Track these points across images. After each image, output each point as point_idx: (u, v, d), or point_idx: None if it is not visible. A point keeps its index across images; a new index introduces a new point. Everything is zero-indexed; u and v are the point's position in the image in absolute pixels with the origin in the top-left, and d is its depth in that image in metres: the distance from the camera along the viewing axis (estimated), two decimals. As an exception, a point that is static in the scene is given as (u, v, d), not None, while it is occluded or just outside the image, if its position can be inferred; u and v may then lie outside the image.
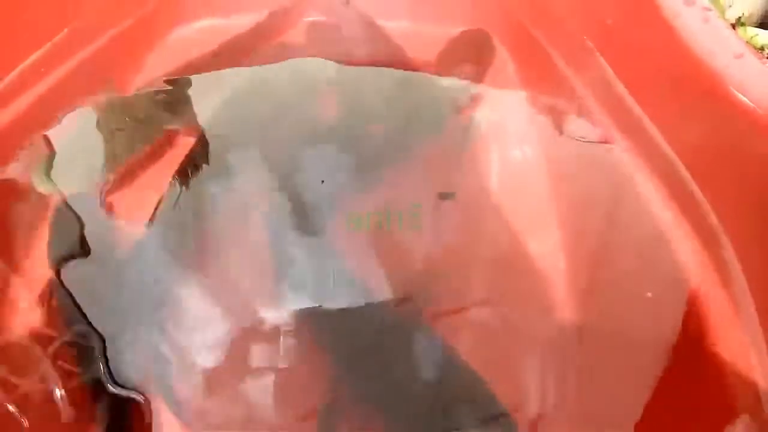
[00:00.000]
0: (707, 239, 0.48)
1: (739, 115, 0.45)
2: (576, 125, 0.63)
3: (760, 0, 0.97)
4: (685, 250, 0.47)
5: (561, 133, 0.63)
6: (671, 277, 0.47)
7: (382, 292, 0.48)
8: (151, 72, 0.70)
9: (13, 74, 0.62)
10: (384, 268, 0.49)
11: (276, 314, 0.46)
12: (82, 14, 0.70)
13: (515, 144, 0.62)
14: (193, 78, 0.67)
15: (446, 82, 0.70)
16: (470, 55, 0.74)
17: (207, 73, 0.68)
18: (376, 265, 0.50)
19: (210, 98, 0.65)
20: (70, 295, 0.46)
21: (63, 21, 0.69)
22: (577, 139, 0.62)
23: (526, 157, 0.61)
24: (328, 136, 0.62)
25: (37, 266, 0.49)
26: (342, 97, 0.68)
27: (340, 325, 0.46)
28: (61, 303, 0.46)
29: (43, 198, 0.54)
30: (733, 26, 0.92)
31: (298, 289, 0.48)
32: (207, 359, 0.44)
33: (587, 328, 0.45)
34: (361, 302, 0.46)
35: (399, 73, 0.71)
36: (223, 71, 0.69)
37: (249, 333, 0.45)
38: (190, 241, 0.51)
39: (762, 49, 0.90)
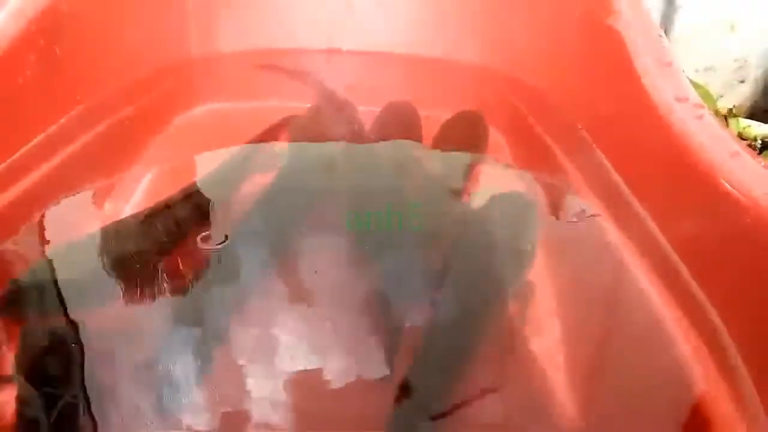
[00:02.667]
0: (706, 334, 0.46)
1: (735, 211, 0.45)
2: (571, 204, 0.64)
3: (750, 92, 1.00)
4: (685, 348, 0.46)
5: (557, 213, 0.63)
6: (673, 376, 0.45)
7: (379, 372, 0.46)
8: (157, 155, 0.70)
9: (16, 156, 0.62)
10: (382, 350, 0.48)
11: (266, 383, 0.45)
12: (89, 98, 0.72)
13: (519, 224, 0.63)
14: (198, 158, 0.68)
15: (442, 159, 0.71)
16: (464, 137, 0.75)
17: (210, 153, 0.69)
18: (373, 347, 0.49)
19: (215, 179, 0.66)
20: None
21: (71, 104, 0.71)
22: (570, 221, 0.62)
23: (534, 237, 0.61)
24: (325, 220, 0.62)
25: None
26: (344, 177, 0.69)
27: (332, 406, 0.44)
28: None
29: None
30: (725, 117, 0.94)
31: (291, 359, 0.47)
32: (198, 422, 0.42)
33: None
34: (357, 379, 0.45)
35: (394, 151, 0.72)
36: (227, 152, 0.69)
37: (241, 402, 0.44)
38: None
39: (755, 139, 0.92)
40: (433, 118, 0.77)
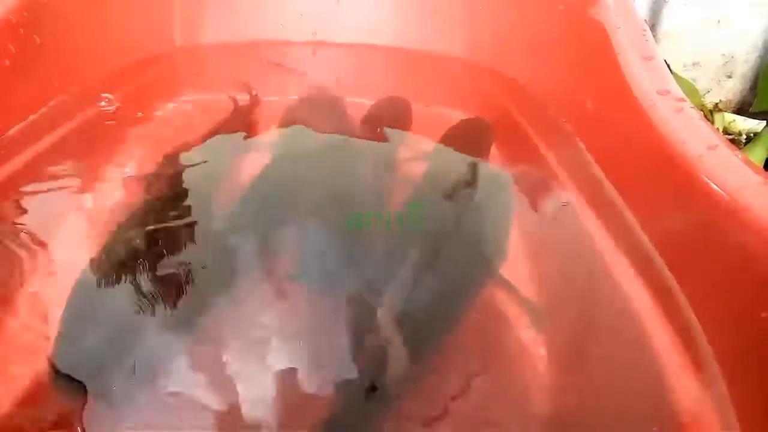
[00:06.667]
0: (680, 328, 0.47)
1: (713, 204, 0.45)
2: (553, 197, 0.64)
3: (737, 87, 1.01)
4: (661, 342, 0.46)
5: (539, 206, 0.63)
6: (648, 368, 0.45)
7: (350, 372, 0.46)
8: (139, 145, 0.70)
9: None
10: (355, 350, 0.48)
11: (251, 379, 0.45)
12: (70, 87, 0.72)
13: (500, 221, 0.63)
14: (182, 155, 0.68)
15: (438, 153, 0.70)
16: (468, 144, 0.74)
17: (196, 147, 0.68)
18: (346, 346, 0.49)
19: (199, 171, 0.65)
20: None
21: (51, 93, 0.70)
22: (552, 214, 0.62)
23: (510, 235, 0.61)
24: (313, 208, 0.62)
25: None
26: (329, 168, 0.68)
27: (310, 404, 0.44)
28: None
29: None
30: (711, 112, 0.95)
31: (277, 355, 0.47)
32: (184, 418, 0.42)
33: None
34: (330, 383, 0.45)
35: (385, 146, 0.71)
36: (210, 143, 0.69)
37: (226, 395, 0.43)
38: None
39: (740, 134, 0.92)
40: (417, 111, 0.77)
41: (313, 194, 0.64)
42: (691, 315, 0.46)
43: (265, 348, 0.47)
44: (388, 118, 0.76)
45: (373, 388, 0.45)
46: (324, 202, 0.63)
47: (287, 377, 0.45)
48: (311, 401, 0.44)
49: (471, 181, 0.67)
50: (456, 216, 0.62)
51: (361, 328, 0.49)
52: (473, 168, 0.69)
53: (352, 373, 0.46)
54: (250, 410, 0.43)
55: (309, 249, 0.57)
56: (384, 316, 0.51)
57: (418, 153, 0.71)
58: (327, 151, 0.71)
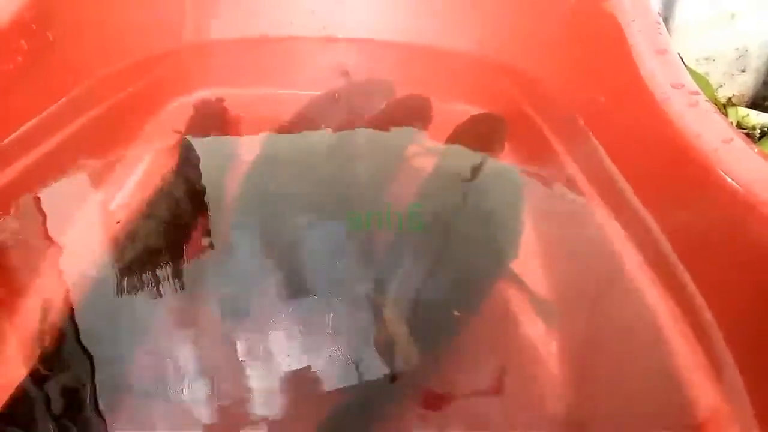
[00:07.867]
0: (698, 328, 0.46)
1: (728, 198, 0.45)
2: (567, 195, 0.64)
3: (750, 81, 0.99)
4: (676, 338, 0.46)
5: (548, 206, 0.63)
6: (662, 366, 0.45)
7: (374, 368, 0.46)
8: (150, 140, 0.70)
9: (7, 141, 0.63)
10: (379, 346, 0.48)
11: (265, 377, 0.45)
12: (82, 83, 0.72)
13: (511, 217, 0.62)
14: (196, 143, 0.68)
15: (447, 150, 0.70)
16: (481, 139, 0.74)
17: (208, 141, 0.68)
18: (355, 342, 0.49)
19: (209, 167, 0.65)
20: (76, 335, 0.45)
21: (63, 89, 0.71)
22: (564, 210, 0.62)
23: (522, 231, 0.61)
24: (325, 209, 0.62)
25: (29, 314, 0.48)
26: (335, 166, 0.68)
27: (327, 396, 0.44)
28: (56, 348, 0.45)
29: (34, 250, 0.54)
30: (725, 106, 0.94)
31: (288, 356, 0.46)
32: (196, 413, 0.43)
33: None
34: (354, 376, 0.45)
35: (393, 141, 0.71)
36: (221, 139, 0.69)
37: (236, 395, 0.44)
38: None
39: (754, 128, 0.91)
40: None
41: (322, 192, 0.64)
42: (706, 312, 0.46)
43: (274, 345, 0.48)
44: (406, 115, 0.76)
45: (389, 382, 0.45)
46: (332, 200, 0.63)
47: (298, 374, 0.45)
48: (320, 397, 0.44)
49: (477, 175, 0.67)
50: (465, 212, 0.62)
51: (369, 325, 0.49)
52: (481, 163, 0.68)
53: (363, 369, 0.46)
54: (260, 404, 0.43)
55: (316, 247, 0.57)
56: (392, 313, 0.51)
57: (427, 148, 0.70)
58: (335, 148, 0.71)
